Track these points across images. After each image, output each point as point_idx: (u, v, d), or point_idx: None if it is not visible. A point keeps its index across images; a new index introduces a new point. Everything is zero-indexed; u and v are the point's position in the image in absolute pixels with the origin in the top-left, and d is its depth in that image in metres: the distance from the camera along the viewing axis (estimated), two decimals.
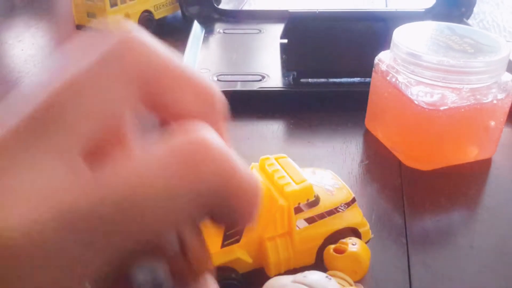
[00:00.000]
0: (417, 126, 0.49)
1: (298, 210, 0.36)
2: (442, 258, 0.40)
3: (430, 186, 0.49)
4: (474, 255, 0.40)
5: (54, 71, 0.15)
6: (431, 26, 0.53)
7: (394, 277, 0.38)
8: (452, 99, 0.46)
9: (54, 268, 0.13)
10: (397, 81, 0.49)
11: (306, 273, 0.32)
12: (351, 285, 0.34)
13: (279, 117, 0.61)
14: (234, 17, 0.88)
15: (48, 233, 0.13)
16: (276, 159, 0.39)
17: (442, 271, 0.39)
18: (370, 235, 0.39)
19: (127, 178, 0.13)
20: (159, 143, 0.14)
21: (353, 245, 0.36)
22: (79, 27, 0.82)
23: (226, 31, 0.83)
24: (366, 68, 0.55)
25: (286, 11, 0.65)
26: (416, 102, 0.47)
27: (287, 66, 0.65)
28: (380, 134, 0.55)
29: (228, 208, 0.15)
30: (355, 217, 0.38)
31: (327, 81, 0.65)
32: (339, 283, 0.32)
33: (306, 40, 0.64)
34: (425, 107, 0.47)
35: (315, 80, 0.65)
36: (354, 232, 0.38)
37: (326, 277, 0.31)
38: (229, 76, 0.67)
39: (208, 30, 0.83)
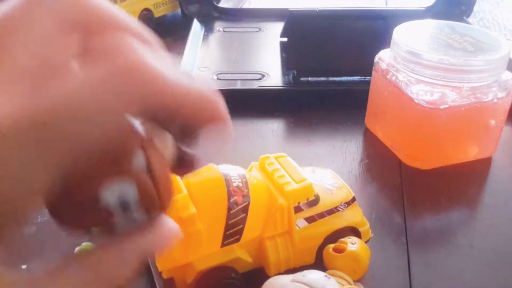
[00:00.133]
0: (417, 125, 0.49)
1: (298, 209, 0.36)
2: (442, 257, 0.40)
3: (430, 185, 0.49)
4: (474, 255, 0.40)
5: None
6: (431, 25, 0.53)
7: (394, 277, 0.38)
8: (452, 98, 0.46)
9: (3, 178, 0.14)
10: (397, 80, 0.49)
11: (305, 272, 0.32)
12: (350, 284, 0.34)
13: (279, 116, 0.61)
14: (234, 15, 0.88)
15: None
16: (276, 158, 0.39)
17: (442, 270, 0.39)
18: (370, 234, 0.39)
19: (60, 97, 0.15)
20: (92, 66, 0.15)
21: (352, 244, 0.36)
22: None
23: (226, 29, 0.83)
24: (366, 66, 0.55)
25: (286, 9, 0.65)
26: (416, 101, 0.47)
27: (287, 64, 0.65)
28: (380, 133, 0.55)
29: (170, 111, 0.16)
30: (355, 216, 0.38)
31: (327, 80, 0.65)
32: (338, 282, 0.32)
33: (306, 39, 0.64)
34: (425, 105, 0.47)
35: (315, 78, 0.65)
36: (354, 231, 0.38)
37: (325, 276, 0.31)
38: (229, 75, 0.67)
39: (208, 28, 0.83)
